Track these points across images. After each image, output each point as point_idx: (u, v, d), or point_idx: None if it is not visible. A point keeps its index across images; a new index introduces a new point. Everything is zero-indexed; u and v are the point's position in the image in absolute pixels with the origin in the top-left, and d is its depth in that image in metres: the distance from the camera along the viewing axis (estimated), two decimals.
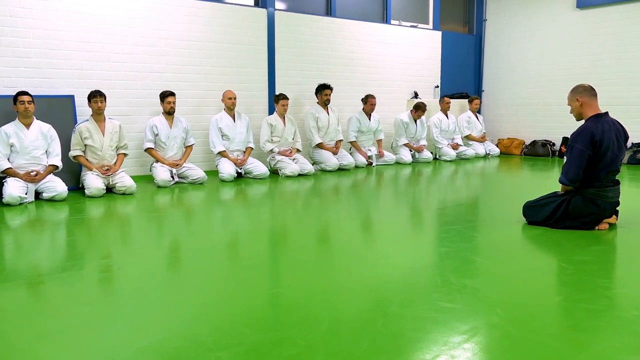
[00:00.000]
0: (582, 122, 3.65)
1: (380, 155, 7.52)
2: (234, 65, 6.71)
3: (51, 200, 4.71)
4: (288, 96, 6.61)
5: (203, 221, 4.26)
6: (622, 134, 3.62)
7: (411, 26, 8.79)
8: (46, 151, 4.92)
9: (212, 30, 6.50)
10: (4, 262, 3.00)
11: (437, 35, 9.10)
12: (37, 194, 4.78)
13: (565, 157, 3.65)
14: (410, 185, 6.17)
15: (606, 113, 3.61)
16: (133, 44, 5.92)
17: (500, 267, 2.87)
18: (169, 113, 5.74)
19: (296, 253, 3.23)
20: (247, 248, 3.38)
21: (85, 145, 5.16)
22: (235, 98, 6.16)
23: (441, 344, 1.92)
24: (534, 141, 8.96)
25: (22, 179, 4.66)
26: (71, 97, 5.51)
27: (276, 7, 7.15)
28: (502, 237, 3.54)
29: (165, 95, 5.69)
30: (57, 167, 4.95)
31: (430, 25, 9.16)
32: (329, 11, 7.86)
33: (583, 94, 3.60)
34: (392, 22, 8.56)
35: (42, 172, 4.80)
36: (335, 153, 6.99)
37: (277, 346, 1.89)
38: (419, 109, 7.79)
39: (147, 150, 5.74)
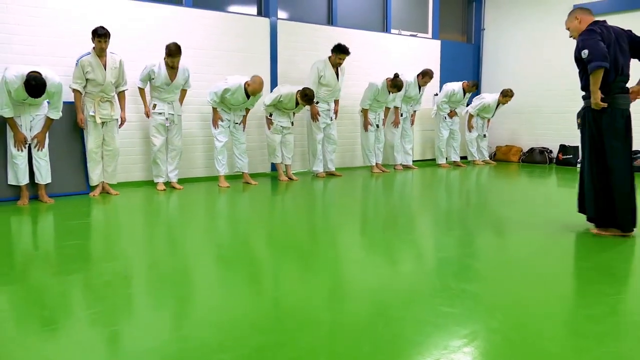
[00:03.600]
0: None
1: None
2: (237, 73, 6.75)
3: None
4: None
5: (204, 221, 4.28)
6: (624, 36, 3.56)
7: (411, 35, 8.88)
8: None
9: (216, 39, 6.57)
10: (5, 260, 3.03)
11: (437, 44, 9.19)
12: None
13: (583, 59, 3.44)
14: (406, 190, 6.21)
15: (604, 20, 3.59)
16: (139, 50, 5.96)
17: (500, 272, 2.91)
18: (172, 67, 5.61)
19: (298, 256, 3.26)
20: (250, 250, 3.41)
21: (87, 79, 5.14)
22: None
23: (441, 347, 1.96)
24: (532, 148, 9.03)
25: (19, 137, 4.70)
26: None
27: (278, 16, 7.23)
28: (501, 242, 3.58)
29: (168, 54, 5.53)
30: (52, 120, 4.86)
31: (430, 35, 9.25)
32: (330, 20, 7.94)
33: (581, 12, 3.60)
34: (392, 31, 8.65)
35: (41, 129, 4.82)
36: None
37: (279, 348, 1.92)
38: (426, 75, 7.69)
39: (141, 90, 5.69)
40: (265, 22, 7.05)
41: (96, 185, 5.34)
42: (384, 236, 3.89)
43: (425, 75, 7.70)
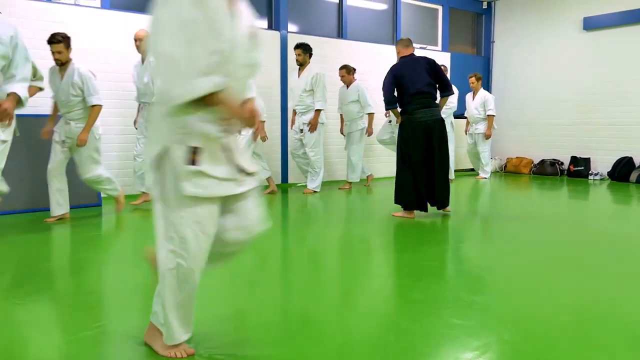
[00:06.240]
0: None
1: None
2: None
3: None
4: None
5: None
6: (423, 63, 4.64)
7: (420, 47, 8.93)
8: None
9: None
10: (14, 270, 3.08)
11: (446, 56, 9.23)
12: None
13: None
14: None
15: (412, 53, 4.80)
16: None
17: (510, 284, 2.90)
18: (61, 64, 4.41)
19: (308, 269, 3.28)
20: (261, 263, 3.43)
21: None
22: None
23: (453, 359, 1.96)
24: (543, 160, 9.00)
25: None
26: None
27: (289, 29, 7.33)
28: (510, 254, 3.57)
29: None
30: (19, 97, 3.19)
31: (440, 47, 9.31)
32: (340, 34, 8.03)
33: (401, 47, 4.80)
34: None
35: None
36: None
37: None
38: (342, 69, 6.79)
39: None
40: (275, 35, 7.16)
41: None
42: (389, 249, 3.89)
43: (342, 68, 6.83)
